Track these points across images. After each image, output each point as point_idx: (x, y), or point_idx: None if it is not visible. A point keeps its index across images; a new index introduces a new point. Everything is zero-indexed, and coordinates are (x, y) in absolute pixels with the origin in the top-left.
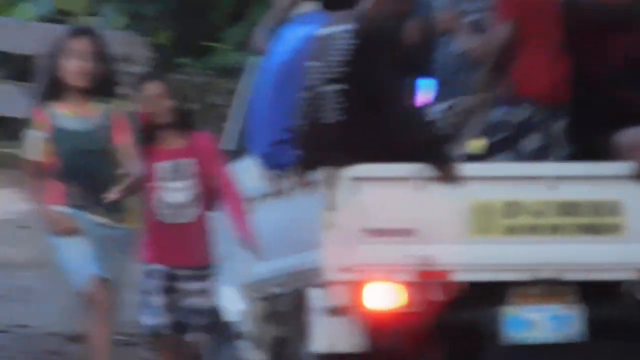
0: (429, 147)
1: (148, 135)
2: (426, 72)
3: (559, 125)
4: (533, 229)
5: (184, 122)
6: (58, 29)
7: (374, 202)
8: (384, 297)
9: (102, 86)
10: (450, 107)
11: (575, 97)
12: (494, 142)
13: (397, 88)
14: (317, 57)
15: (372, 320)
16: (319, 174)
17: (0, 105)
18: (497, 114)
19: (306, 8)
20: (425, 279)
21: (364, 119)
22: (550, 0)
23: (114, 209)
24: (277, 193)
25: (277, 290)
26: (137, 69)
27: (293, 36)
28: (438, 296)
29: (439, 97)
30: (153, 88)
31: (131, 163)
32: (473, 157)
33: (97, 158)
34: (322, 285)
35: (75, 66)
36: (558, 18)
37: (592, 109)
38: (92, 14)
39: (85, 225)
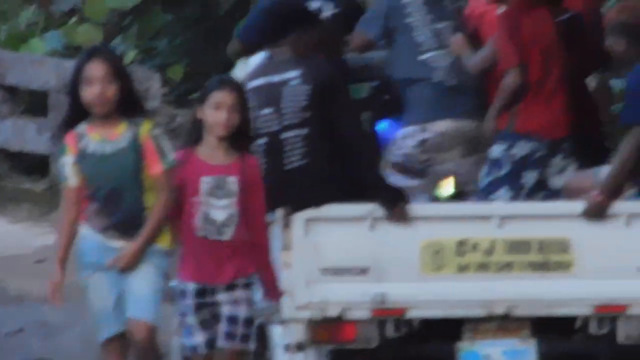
0: (382, 188)
1: (195, 135)
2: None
3: (558, 160)
4: (485, 267)
5: (237, 138)
6: (69, 64)
7: (329, 242)
8: (340, 334)
9: (126, 107)
10: (422, 142)
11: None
12: (495, 179)
13: (357, 130)
14: (269, 105)
15: (329, 357)
16: (277, 215)
17: (15, 140)
18: (498, 149)
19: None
20: (380, 317)
21: (325, 161)
22: (549, 33)
23: (134, 229)
24: None
25: None
26: (151, 103)
27: None
28: (393, 333)
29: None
30: (223, 97)
31: (159, 198)
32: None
33: (124, 181)
34: (282, 322)
35: (93, 92)
36: (558, 48)
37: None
38: None
39: (106, 258)
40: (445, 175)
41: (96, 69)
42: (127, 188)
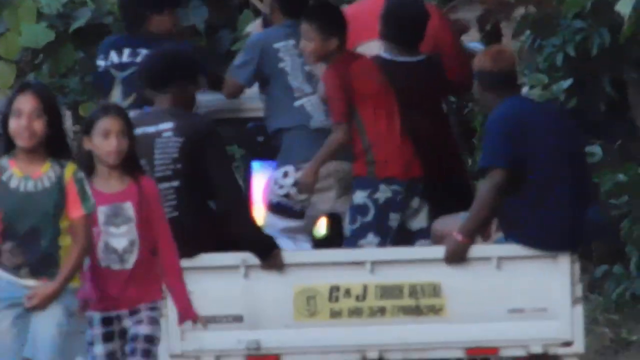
0: (255, 236)
1: (86, 168)
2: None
3: (415, 202)
4: (358, 312)
5: (128, 162)
6: None
7: (203, 290)
8: None
9: (53, 145)
10: (295, 183)
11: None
12: (361, 224)
13: (230, 183)
14: (143, 155)
15: None
16: None
17: None
18: (361, 195)
19: None
20: None
21: (197, 213)
22: (378, 81)
23: (47, 269)
24: None
25: None
26: None
27: None
28: None
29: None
30: (110, 123)
31: (77, 242)
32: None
33: (43, 222)
34: None
35: (20, 124)
36: (387, 87)
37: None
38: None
39: (16, 295)
40: (321, 215)
41: (25, 102)
42: (45, 228)
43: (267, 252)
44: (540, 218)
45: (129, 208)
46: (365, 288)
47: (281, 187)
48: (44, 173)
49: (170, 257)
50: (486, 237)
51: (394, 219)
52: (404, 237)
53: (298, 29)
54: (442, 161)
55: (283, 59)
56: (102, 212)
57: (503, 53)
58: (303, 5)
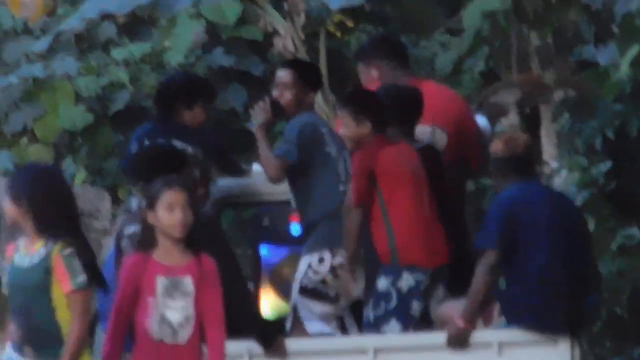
0: (259, 324)
1: (149, 242)
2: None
3: (440, 290)
4: None
5: (191, 237)
6: None
7: None
8: None
9: (46, 226)
10: (334, 267)
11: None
12: (385, 312)
13: (231, 270)
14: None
15: None
16: None
17: None
18: (385, 283)
19: None
20: None
21: None
22: (415, 163)
23: (50, 347)
24: None
25: None
26: (101, 223)
27: None
28: None
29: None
30: (175, 197)
31: (74, 318)
32: None
33: (31, 297)
34: None
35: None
36: (422, 173)
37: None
38: None
39: None
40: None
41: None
42: (35, 304)
43: (272, 340)
44: (540, 302)
45: (189, 283)
46: None
47: (316, 273)
48: (37, 251)
49: (217, 339)
50: (488, 322)
51: (417, 307)
52: (428, 325)
53: None
54: (458, 246)
55: (328, 144)
56: (161, 283)
57: (516, 139)
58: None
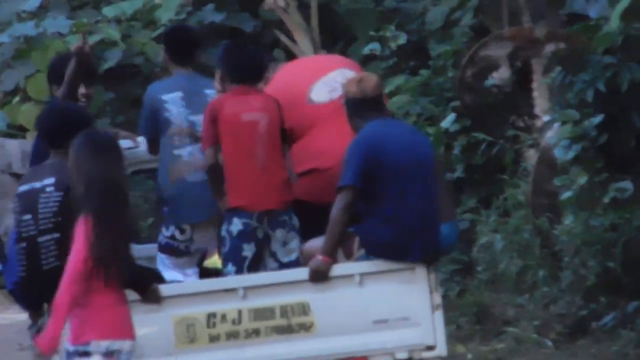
0: (133, 273)
1: None
2: None
3: (278, 233)
4: (234, 335)
5: None
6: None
7: None
8: None
9: None
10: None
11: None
12: (223, 256)
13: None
14: (27, 211)
15: None
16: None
17: None
18: (222, 228)
19: None
20: None
21: None
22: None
23: None
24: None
25: None
26: None
27: None
28: None
29: None
30: None
31: None
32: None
33: None
34: None
35: None
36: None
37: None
38: None
39: None
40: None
41: None
42: None
43: (146, 286)
44: (396, 233)
45: None
46: (239, 312)
47: (167, 229)
48: None
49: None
50: (349, 255)
51: (248, 249)
52: (277, 267)
53: None
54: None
55: (168, 109)
56: None
57: (366, 79)
58: None
